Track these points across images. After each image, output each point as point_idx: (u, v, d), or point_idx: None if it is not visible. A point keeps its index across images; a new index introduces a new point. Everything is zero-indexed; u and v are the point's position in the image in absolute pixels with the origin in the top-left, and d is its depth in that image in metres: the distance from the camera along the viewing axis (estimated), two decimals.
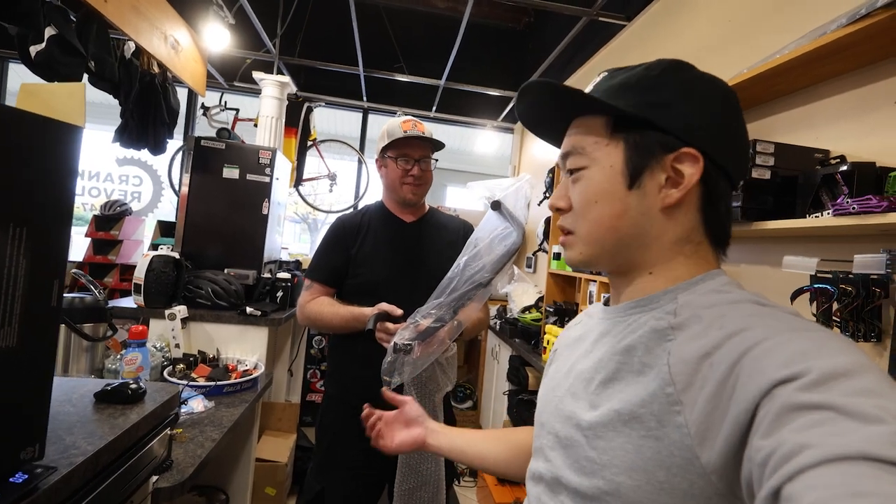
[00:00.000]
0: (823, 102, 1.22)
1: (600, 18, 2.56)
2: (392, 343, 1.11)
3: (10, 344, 0.58)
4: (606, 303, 0.61)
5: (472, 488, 2.79)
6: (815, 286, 1.02)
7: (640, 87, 0.50)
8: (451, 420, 1.38)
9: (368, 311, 1.24)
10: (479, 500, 2.69)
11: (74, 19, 1.79)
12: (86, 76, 1.85)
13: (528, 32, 4.37)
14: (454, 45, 3.15)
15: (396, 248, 1.37)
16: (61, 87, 0.63)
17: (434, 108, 4.30)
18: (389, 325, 1.17)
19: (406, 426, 0.88)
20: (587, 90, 0.54)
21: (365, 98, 4.24)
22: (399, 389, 1.11)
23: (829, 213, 0.99)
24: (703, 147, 0.49)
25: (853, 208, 0.91)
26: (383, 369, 1.11)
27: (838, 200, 0.97)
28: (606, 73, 0.55)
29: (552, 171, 3.00)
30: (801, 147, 1.19)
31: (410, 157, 1.35)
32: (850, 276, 0.99)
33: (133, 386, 0.92)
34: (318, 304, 1.37)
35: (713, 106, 0.50)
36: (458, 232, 1.44)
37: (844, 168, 1.00)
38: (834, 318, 1.01)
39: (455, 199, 6.67)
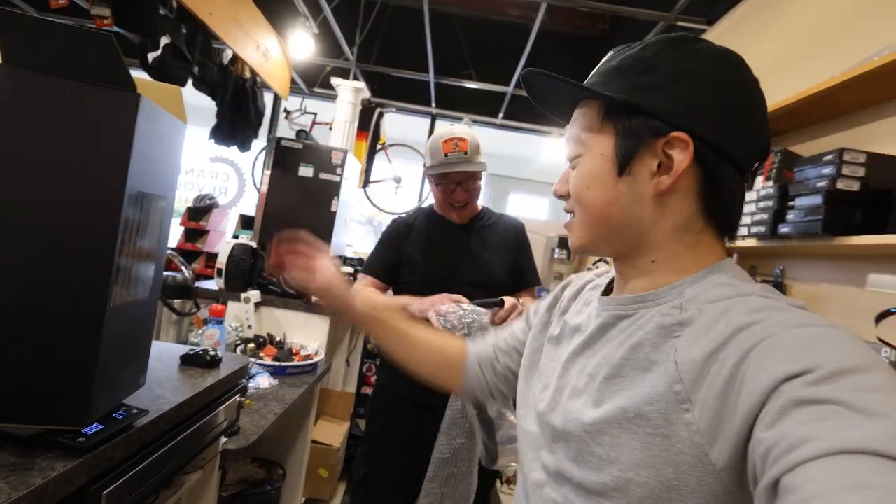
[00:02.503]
0: None
1: (679, 23, 2.47)
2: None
3: (146, 296, 0.71)
4: (606, 291, 0.58)
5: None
6: None
7: (633, 70, 0.48)
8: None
9: (417, 302, 1.27)
10: None
11: (185, 30, 2.05)
12: (190, 79, 2.11)
13: (602, 39, 4.28)
14: (524, 53, 3.17)
15: (444, 248, 1.41)
16: (161, 87, 0.74)
17: (501, 115, 4.33)
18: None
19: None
20: (595, 71, 0.54)
21: (434, 104, 4.37)
22: None
23: None
24: (695, 130, 0.46)
25: None
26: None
27: None
28: (612, 53, 0.53)
29: None
30: None
31: (452, 180, 1.35)
32: None
33: (212, 353, 1.04)
34: (367, 293, 1.42)
35: (710, 84, 0.47)
36: (509, 231, 1.45)
37: None
38: None
39: (517, 206, 6.63)
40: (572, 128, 0.55)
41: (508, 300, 1.23)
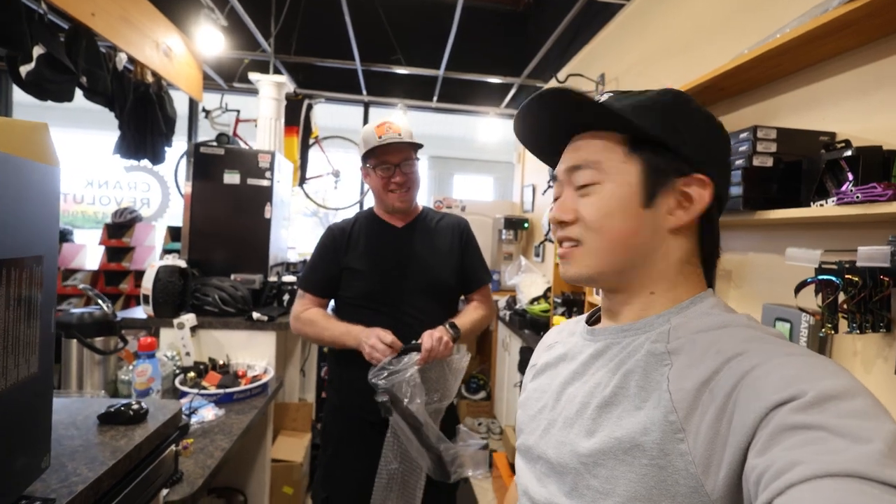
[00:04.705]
0: (828, 82, 1.17)
1: None
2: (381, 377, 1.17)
3: (34, 371, 0.63)
4: (589, 321, 0.60)
5: (487, 479, 2.82)
6: (820, 278, 0.98)
7: (657, 111, 0.51)
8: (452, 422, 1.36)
9: (356, 332, 1.26)
10: (494, 490, 2.72)
11: (62, 35, 1.79)
12: (79, 91, 1.87)
13: (527, 14, 4.26)
14: (451, 33, 3.09)
15: (387, 255, 1.36)
16: (20, 126, 0.63)
17: (435, 98, 4.25)
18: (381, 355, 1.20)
19: None
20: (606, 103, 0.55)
21: (365, 92, 4.21)
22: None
23: (833, 202, 0.95)
24: (710, 174, 0.51)
25: (857, 197, 0.87)
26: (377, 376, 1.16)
27: (842, 188, 0.93)
28: (613, 94, 0.55)
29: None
30: (805, 131, 1.14)
31: (390, 163, 1.30)
32: (857, 265, 0.95)
33: (135, 406, 0.94)
34: (309, 316, 1.37)
35: (715, 138, 0.53)
36: (452, 230, 1.42)
37: (849, 153, 0.95)
38: (840, 309, 0.97)
39: (463, 188, 6.61)
40: (582, 153, 0.53)
41: (424, 337, 1.22)
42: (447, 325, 1.28)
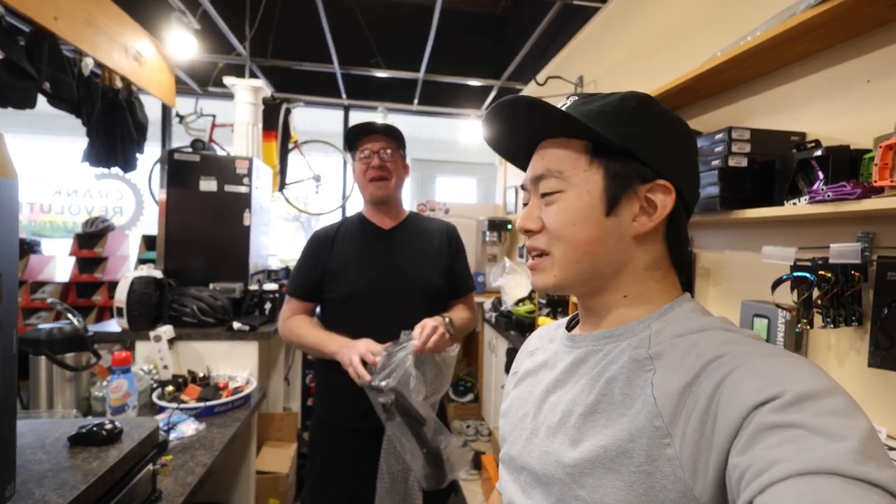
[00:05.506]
0: (797, 83, 1.20)
1: (574, 1, 2.50)
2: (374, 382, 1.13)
3: None
4: (569, 326, 0.60)
5: (476, 481, 2.82)
6: (795, 275, 1.01)
7: (618, 117, 0.50)
8: (443, 417, 1.35)
9: (339, 340, 1.24)
10: (484, 492, 2.72)
11: (23, 39, 1.71)
12: (44, 97, 1.78)
13: (505, 17, 4.29)
14: (430, 36, 3.09)
15: (373, 257, 1.35)
16: None
17: (416, 101, 4.24)
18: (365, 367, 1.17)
19: None
20: (570, 109, 0.54)
21: (344, 95, 4.17)
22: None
23: (805, 200, 0.97)
24: (673, 180, 0.50)
25: (828, 196, 0.89)
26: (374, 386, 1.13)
27: (814, 187, 0.96)
28: (577, 98, 0.54)
29: None
30: (777, 131, 1.17)
31: (370, 150, 1.33)
32: (830, 262, 0.98)
33: (108, 426, 0.91)
34: (294, 322, 1.36)
35: (679, 142, 0.53)
36: (439, 235, 1.42)
37: (819, 153, 0.98)
38: (815, 305, 1.00)
39: (445, 190, 6.60)
40: (546, 161, 0.53)
41: (417, 327, 1.19)
42: (444, 318, 1.26)
